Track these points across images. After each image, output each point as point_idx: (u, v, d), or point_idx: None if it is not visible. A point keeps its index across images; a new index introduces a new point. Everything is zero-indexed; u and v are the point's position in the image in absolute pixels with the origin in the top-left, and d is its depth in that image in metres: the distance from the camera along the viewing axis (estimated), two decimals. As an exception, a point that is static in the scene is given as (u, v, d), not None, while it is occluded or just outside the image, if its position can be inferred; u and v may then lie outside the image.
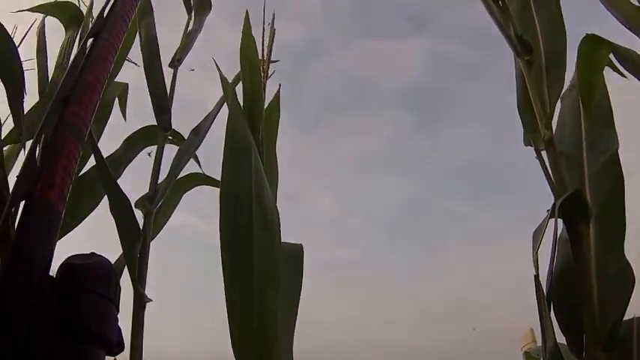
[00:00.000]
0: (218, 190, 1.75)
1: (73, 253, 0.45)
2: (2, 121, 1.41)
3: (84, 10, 1.71)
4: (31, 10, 1.70)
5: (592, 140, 1.33)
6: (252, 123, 1.21)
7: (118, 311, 0.45)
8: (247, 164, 1.02)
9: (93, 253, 0.45)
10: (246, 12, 1.32)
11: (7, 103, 1.18)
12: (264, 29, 1.42)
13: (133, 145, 1.65)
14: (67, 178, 0.46)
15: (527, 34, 1.36)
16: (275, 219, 1.04)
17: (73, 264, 0.43)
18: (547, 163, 1.31)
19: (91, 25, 1.66)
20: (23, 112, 1.22)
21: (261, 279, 0.95)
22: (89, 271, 0.43)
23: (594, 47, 1.29)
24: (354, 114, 5.90)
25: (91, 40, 0.63)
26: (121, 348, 0.44)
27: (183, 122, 1.67)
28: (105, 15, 0.68)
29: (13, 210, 0.46)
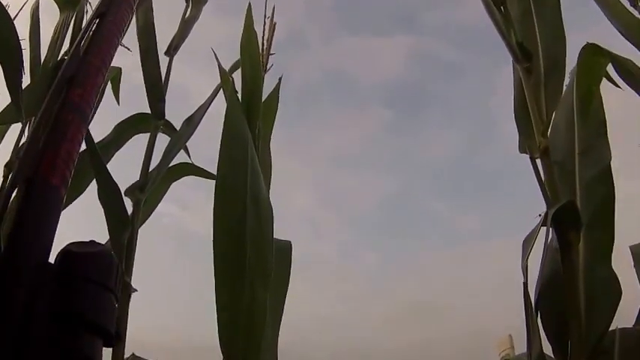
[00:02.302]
0: (198, 179, 1.75)
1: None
2: None
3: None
4: None
5: (585, 150, 1.33)
6: (250, 116, 1.20)
7: (117, 302, 0.43)
8: (244, 158, 1.00)
9: (93, 242, 0.44)
10: (249, 5, 1.31)
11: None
12: (264, 22, 1.40)
13: (123, 131, 1.63)
14: (70, 162, 0.45)
15: (527, 41, 1.35)
16: (269, 214, 1.03)
17: (75, 252, 0.41)
18: (540, 171, 1.30)
19: (87, 6, 1.64)
20: (21, 91, 1.20)
21: (253, 273, 0.93)
22: (92, 260, 0.41)
23: (594, 56, 1.29)
24: (334, 109, 5.87)
25: (96, 20, 0.61)
26: (119, 339, 0.43)
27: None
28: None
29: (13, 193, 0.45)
